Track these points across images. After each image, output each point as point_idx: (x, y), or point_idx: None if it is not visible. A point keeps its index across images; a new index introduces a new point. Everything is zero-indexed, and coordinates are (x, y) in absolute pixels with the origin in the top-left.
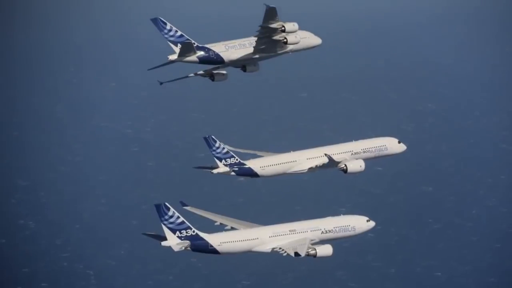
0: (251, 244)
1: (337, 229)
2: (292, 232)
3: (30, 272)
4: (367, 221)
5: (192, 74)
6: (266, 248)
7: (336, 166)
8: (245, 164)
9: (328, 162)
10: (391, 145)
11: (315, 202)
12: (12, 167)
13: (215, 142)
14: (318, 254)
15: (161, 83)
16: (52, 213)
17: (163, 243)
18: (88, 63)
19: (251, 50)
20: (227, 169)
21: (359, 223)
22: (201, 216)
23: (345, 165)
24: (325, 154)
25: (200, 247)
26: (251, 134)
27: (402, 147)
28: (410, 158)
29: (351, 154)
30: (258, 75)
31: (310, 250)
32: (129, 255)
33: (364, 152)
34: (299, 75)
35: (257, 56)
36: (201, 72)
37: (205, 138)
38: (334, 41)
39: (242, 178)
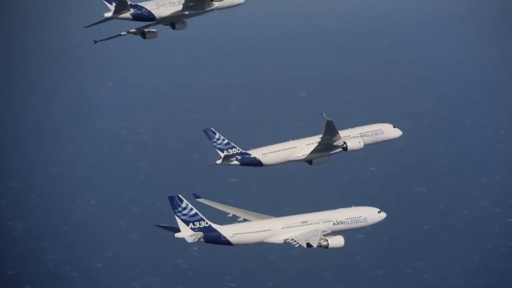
0: (263, 236)
1: (348, 220)
2: (304, 224)
3: (15, 274)
4: (379, 212)
5: (124, 32)
6: (279, 239)
7: (336, 143)
8: (248, 153)
9: (328, 139)
10: (387, 129)
11: (306, 202)
12: (5, 168)
13: (215, 134)
14: (330, 245)
15: (95, 42)
16: (41, 214)
17: (177, 235)
18: (87, 63)
19: (180, 7)
20: (231, 158)
21: (370, 214)
22: (214, 208)
23: (345, 143)
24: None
25: (213, 238)
26: (248, 134)
27: (397, 132)
28: (405, 158)
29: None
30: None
31: (322, 241)
32: (116, 257)
33: (361, 136)
34: (298, 75)
35: (186, 13)
36: (133, 30)
37: (205, 131)
38: (334, 40)
39: (234, 179)
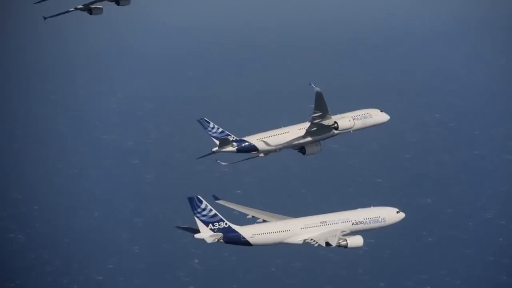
0: (283, 236)
1: (367, 220)
2: (323, 224)
3: (15, 287)
4: (397, 212)
5: (72, 9)
6: (298, 239)
7: (326, 122)
8: (243, 141)
9: (319, 116)
10: (375, 113)
11: (311, 215)
12: (9, 179)
13: (209, 123)
14: (349, 245)
15: (45, 18)
16: (43, 226)
17: (196, 236)
18: (97, 74)
19: None
20: (227, 145)
21: (389, 214)
22: (233, 209)
23: (335, 122)
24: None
25: (232, 239)
26: None
27: (385, 116)
28: (412, 169)
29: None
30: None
31: (341, 241)
32: (117, 269)
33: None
34: (307, 85)
35: None
36: (80, 6)
37: (199, 121)
38: (345, 50)
39: (239, 191)
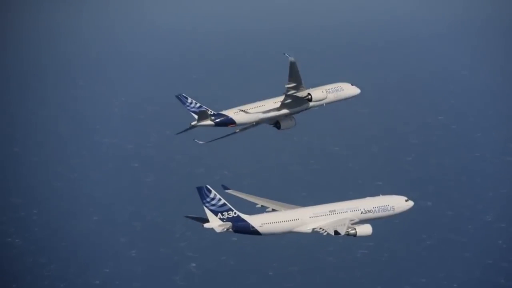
0: (292, 225)
1: (376, 209)
2: (332, 213)
3: None
4: (406, 200)
5: None
6: (307, 228)
7: (300, 94)
8: (221, 114)
9: (293, 87)
10: (346, 87)
11: None
12: (9, 183)
13: (187, 98)
14: (358, 234)
15: None
16: (41, 230)
17: (206, 225)
18: (97, 77)
19: None
20: (205, 119)
21: (398, 203)
22: (242, 199)
23: (309, 94)
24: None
25: (241, 228)
26: (259, 147)
27: (356, 90)
28: (413, 172)
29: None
30: None
31: (350, 229)
32: (114, 273)
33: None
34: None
35: None
36: None
37: (177, 97)
38: (347, 53)
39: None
